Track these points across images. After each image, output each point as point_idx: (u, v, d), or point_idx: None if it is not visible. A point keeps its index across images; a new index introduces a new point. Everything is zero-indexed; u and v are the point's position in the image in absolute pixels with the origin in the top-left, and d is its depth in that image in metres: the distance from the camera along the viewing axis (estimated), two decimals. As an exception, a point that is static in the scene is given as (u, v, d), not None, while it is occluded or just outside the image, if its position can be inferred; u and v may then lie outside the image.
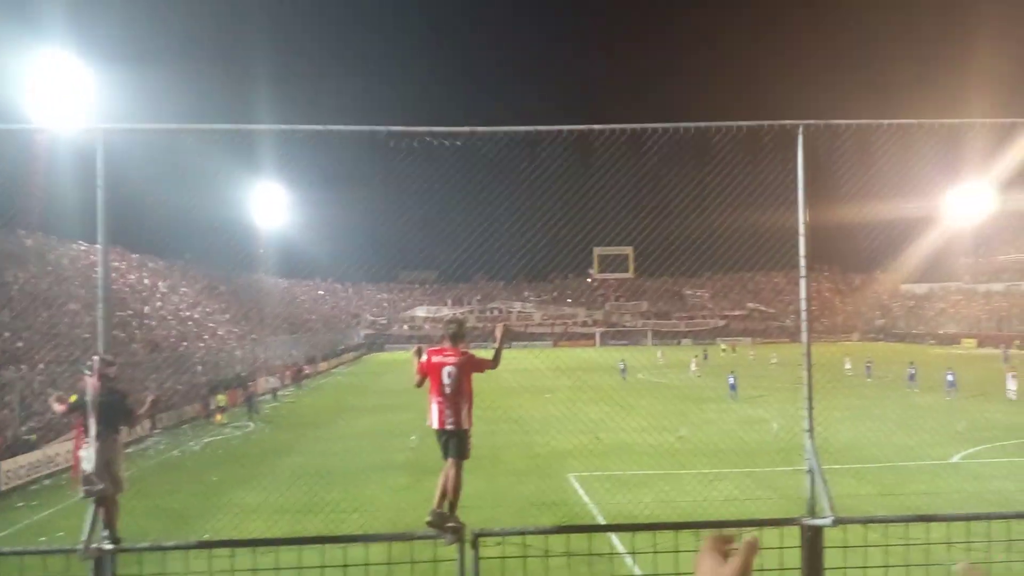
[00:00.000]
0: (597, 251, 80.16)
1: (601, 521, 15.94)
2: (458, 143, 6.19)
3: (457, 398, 6.53)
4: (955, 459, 21.30)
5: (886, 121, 6.41)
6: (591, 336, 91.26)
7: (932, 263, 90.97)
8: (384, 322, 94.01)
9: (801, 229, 6.23)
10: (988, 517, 6.11)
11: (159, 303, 48.25)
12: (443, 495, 6.56)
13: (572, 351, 75.63)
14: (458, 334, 6.78)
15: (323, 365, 60.26)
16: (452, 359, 6.58)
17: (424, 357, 6.68)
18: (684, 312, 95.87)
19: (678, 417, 29.45)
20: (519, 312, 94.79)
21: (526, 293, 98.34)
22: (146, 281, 50.32)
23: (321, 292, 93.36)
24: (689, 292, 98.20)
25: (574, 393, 37.03)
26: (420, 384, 6.69)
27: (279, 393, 43.41)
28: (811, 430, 6.52)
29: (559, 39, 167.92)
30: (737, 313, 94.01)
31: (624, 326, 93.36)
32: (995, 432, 25.05)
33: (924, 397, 34.87)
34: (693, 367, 48.62)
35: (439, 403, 6.55)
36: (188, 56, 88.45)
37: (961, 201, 73.44)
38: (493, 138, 6.39)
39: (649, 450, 21.88)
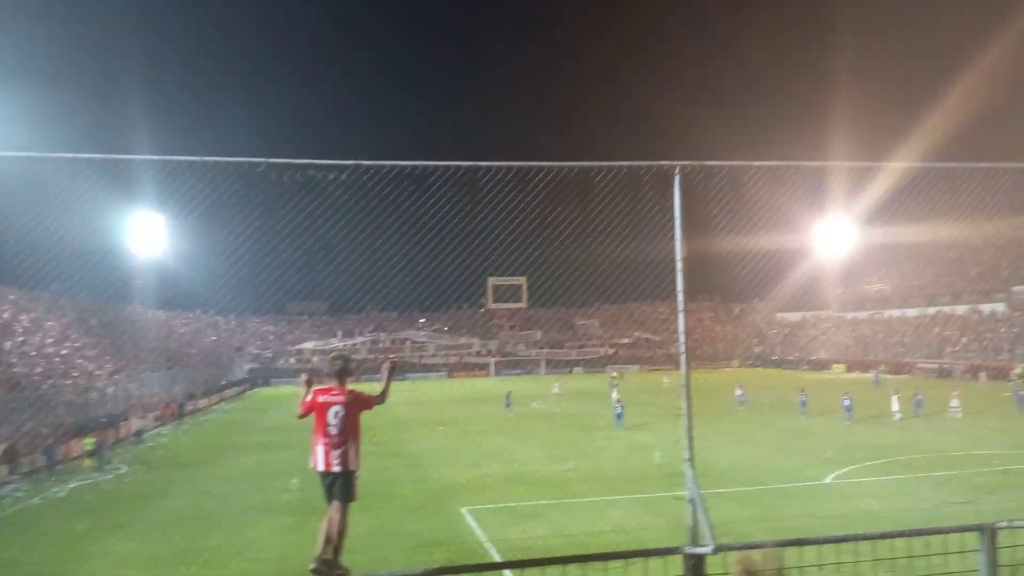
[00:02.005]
0: (491, 281, 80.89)
1: (495, 556, 15.81)
2: (343, 176, 6.08)
3: (344, 439, 6.31)
4: (828, 480, 22.48)
5: (756, 163, 6.78)
6: (486, 366, 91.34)
7: (804, 293, 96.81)
8: (270, 355, 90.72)
9: (679, 266, 6.46)
10: (855, 538, 6.44)
11: (20, 339, 44.74)
12: (328, 540, 6.30)
13: (467, 382, 75.44)
14: (344, 370, 6.58)
15: (203, 401, 57.34)
16: (339, 398, 6.37)
17: (310, 396, 6.46)
18: (576, 341, 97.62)
19: (569, 446, 29.81)
20: (412, 343, 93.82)
21: (420, 323, 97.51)
22: (6, 315, 46.59)
23: (202, 325, 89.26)
24: (580, 322, 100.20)
25: (469, 424, 36.89)
26: (303, 416, 6.47)
27: (147, 433, 40.76)
28: (691, 459, 6.72)
29: (452, 81, 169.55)
30: (625, 341, 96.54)
31: (518, 355, 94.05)
32: (864, 452, 26.65)
33: (804, 421, 36.60)
34: (556, 389, 51.90)
35: (324, 444, 6.31)
36: (61, 82, 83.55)
37: (829, 235, 78.67)
38: (380, 172, 6.32)
39: (542, 480, 22.00)
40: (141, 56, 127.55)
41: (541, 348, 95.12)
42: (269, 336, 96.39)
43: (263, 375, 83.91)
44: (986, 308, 73.33)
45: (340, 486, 6.32)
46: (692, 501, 6.61)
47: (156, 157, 6.54)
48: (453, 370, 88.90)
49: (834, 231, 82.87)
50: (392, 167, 6.25)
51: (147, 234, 50.36)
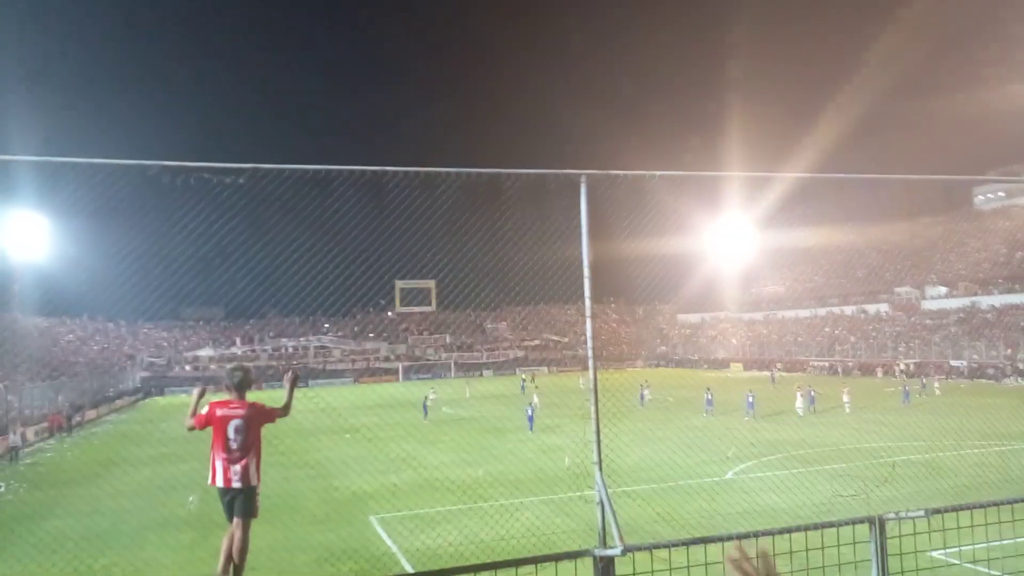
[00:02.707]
0: (399, 284, 79.70)
1: (405, 565, 15.59)
2: (240, 180, 5.82)
3: (244, 453, 6.05)
4: (730, 475, 23.31)
5: (657, 172, 6.92)
6: (394, 371, 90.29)
7: (704, 295, 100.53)
8: (164, 363, 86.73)
9: (586, 272, 6.52)
10: (756, 535, 6.66)
11: None
12: (228, 559, 6.04)
13: (375, 387, 74.30)
14: (244, 382, 6.32)
15: (92, 413, 54.26)
16: (239, 411, 6.11)
17: (206, 408, 6.16)
18: (485, 344, 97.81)
19: (480, 451, 29.79)
20: (317, 349, 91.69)
21: (325, 328, 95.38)
22: None
23: (89, 332, 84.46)
24: (490, 324, 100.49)
25: (377, 431, 36.33)
26: (194, 430, 6.18)
27: (29, 448, 38.22)
28: (600, 463, 6.79)
29: (360, 83, 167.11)
30: (535, 343, 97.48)
31: (427, 359, 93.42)
32: (763, 448, 27.78)
33: (707, 419, 37.88)
34: (467, 394, 53.42)
35: (224, 460, 6.03)
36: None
37: (726, 240, 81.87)
38: (280, 176, 6.10)
39: (453, 486, 21.86)
40: (26, 53, 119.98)
41: (450, 351, 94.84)
42: (163, 343, 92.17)
43: (157, 384, 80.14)
44: (872, 308, 77.99)
45: (241, 502, 6.07)
46: (601, 504, 6.68)
47: (37, 158, 6.10)
48: (360, 376, 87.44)
49: (731, 236, 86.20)
50: (293, 171, 6.04)
51: (27, 237, 47.17)
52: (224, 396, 6.28)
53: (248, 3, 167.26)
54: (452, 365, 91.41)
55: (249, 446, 6.07)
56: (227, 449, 6.02)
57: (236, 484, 6.01)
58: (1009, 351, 56.65)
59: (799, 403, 38.24)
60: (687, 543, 6.90)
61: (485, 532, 16.74)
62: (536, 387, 50.33)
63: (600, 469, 6.79)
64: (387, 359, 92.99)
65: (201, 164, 5.67)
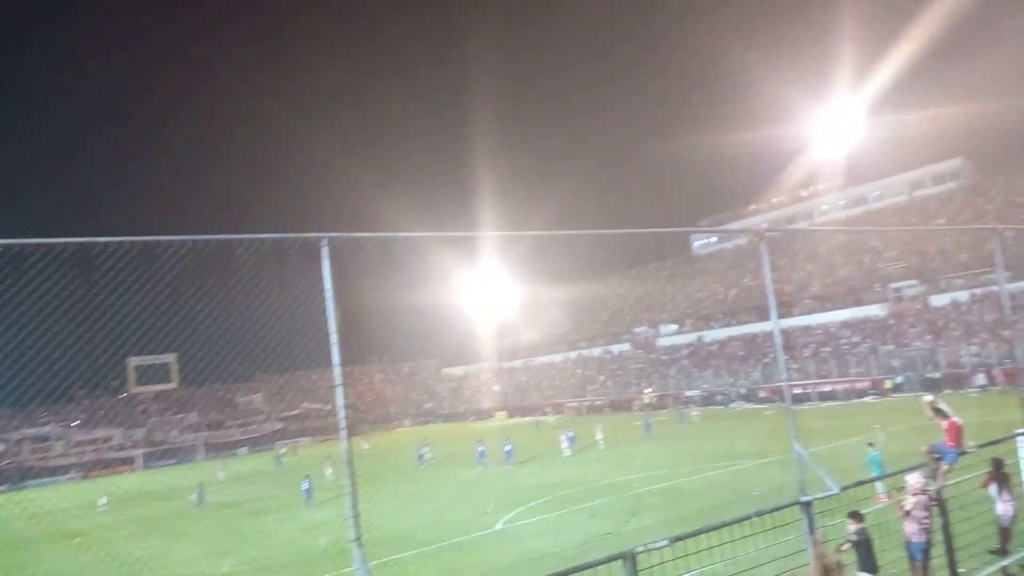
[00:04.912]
0: (132, 362, 71.89)
1: None
2: None
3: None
4: (499, 526, 23.53)
5: (403, 234, 6.87)
6: (131, 460, 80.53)
7: (465, 347, 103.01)
8: None
9: (332, 339, 6.22)
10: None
11: None
12: None
13: (111, 480, 65.82)
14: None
15: None
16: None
17: None
18: (238, 419, 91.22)
19: (234, 537, 27.41)
20: (33, 443, 79.36)
21: (43, 418, 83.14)
22: None
23: None
24: (242, 398, 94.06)
25: (113, 531, 32.13)
26: None
27: None
28: (359, 538, 6.41)
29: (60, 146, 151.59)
30: (294, 413, 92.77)
31: (171, 443, 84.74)
32: (530, 493, 28.51)
33: (479, 470, 38.11)
34: (220, 475, 50.99)
35: None
36: None
37: (483, 293, 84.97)
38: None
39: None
40: None
41: (198, 431, 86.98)
42: None
43: None
44: (616, 348, 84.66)
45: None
46: (363, 584, 6.28)
47: None
48: (89, 469, 76.36)
49: (487, 289, 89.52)
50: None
51: None
52: None
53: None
54: (201, 447, 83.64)
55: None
56: None
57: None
58: (731, 379, 64.24)
59: (564, 444, 40.16)
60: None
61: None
62: (289, 456, 47.82)
63: (360, 545, 6.40)
64: (122, 447, 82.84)
65: None
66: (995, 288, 43.95)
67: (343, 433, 6.49)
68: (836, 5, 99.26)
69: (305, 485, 33.96)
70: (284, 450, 70.58)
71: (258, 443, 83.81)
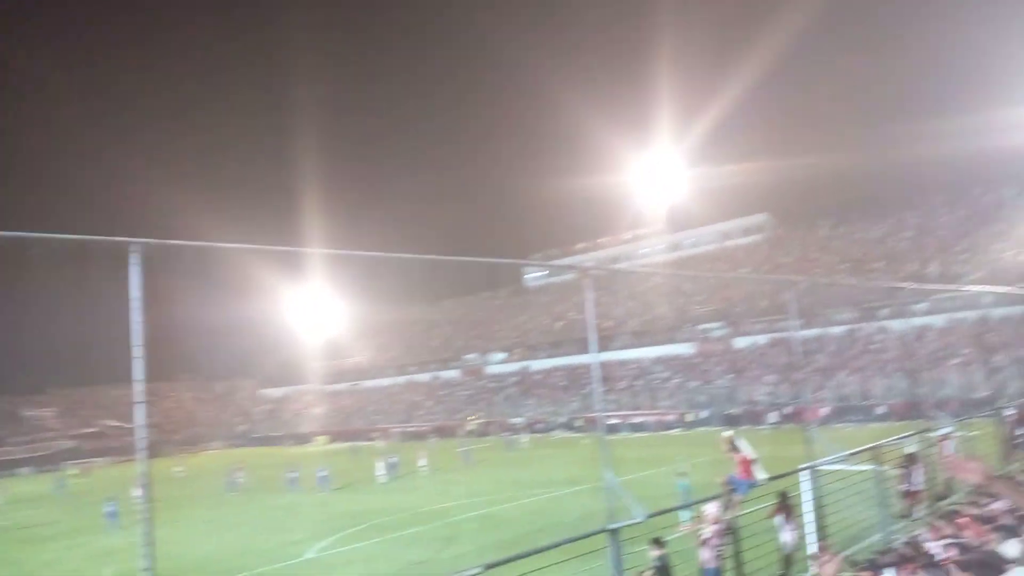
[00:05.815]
0: None
1: None
2: None
3: None
4: (310, 555, 22.64)
5: (221, 244, 6.56)
6: None
7: (288, 368, 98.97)
8: None
9: (136, 352, 5.79)
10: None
11: None
12: None
13: None
14: None
15: None
16: None
17: None
18: (23, 435, 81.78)
19: (10, 567, 24.49)
20: None
21: None
22: None
23: None
24: (29, 412, 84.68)
25: None
26: None
27: None
28: (151, 568, 5.95)
29: None
30: (90, 431, 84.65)
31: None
32: (345, 520, 27.63)
33: (292, 497, 36.41)
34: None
35: None
36: None
37: (308, 312, 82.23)
38: None
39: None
40: None
41: (-29, 449, 77.03)
42: None
43: None
44: (445, 374, 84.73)
45: None
46: (153, 620, 5.82)
47: None
48: None
49: (313, 308, 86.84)
50: None
51: None
52: None
53: None
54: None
55: None
56: None
57: None
58: (553, 408, 66.23)
59: (381, 471, 39.36)
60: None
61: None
62: (87, 480, 43.24)
63: (152, 577, 5.93)
64: None
65: None
66: (789, 334, 48.59)
67: (141, 454, 6.03)
68: (661, 68, 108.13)
69: (110, 508, 30.85)
70: (73, 471, 64.04)
71: (45, 462, 75.49)
